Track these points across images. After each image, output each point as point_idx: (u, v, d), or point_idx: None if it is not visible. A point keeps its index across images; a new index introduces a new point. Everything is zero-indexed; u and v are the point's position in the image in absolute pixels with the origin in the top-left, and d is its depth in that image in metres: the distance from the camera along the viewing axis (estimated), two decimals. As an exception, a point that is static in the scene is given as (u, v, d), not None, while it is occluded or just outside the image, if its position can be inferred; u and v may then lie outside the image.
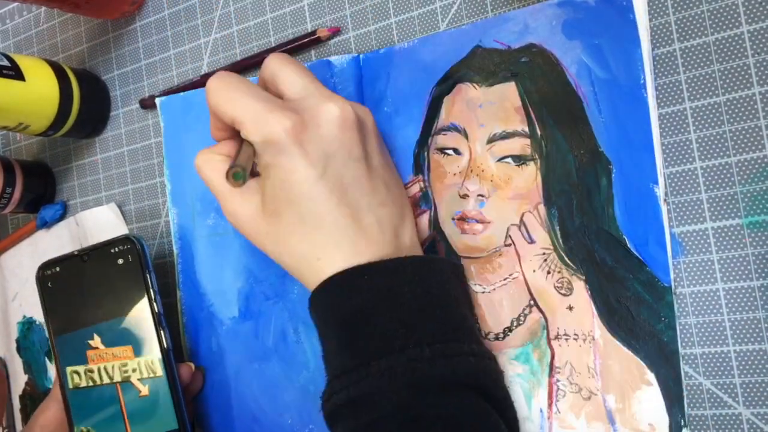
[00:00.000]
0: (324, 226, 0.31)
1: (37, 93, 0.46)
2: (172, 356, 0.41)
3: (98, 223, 0.51)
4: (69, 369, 0.42)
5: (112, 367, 0.41)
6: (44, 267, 0.43)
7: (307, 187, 0.31)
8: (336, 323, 0.31)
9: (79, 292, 0.42)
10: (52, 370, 0.54)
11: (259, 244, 0.34)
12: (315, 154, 0.31)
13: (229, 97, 0.32)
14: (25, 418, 0.56)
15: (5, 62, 0.44)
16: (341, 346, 0.31)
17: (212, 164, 0.35)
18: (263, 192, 0.33)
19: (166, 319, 0.41)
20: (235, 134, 0.35)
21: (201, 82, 0.46)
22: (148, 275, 0.41)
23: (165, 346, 0.40)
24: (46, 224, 0.54)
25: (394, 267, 0.31)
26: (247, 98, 0.31)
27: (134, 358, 0.41)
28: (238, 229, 0.35)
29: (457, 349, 0.30)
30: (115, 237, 0.42)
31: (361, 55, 0.40)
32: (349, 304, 0.30)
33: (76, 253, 0.42)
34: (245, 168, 0.32)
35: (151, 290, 0.41)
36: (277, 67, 0.33)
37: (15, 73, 0.45)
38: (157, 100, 0.47)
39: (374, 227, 0.32)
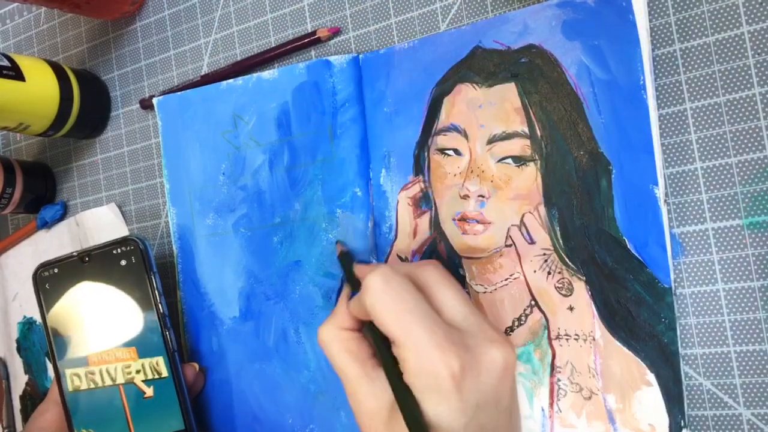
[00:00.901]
0: None
1: (37, 93, 0.46)
2: (177, 357, 0.40)
3: (98, 223, 0.51)
4: (69, 371, 0.41)
5: (115, 368, 0.41)
6: (41, 268, 0.42)
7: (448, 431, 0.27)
8: None
9: (78, 294, 0.42)
10: (52, 370, 0.54)
11: None
12: (469, 402, 0.27)
13: (394, 309, 0.28)
14: (26, 419, 0.56)
15: (5, 62, 0.44)
16: None
17: (340, 342, 0.31)
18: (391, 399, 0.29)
19: (170, 320, 0.41)
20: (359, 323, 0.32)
21: (201, 83, 0.46)
22: (152, 276, 0.41)
23: (171, 347, 0.40)
24: (46, 224, 0.54)
25: None
26: (415, 320, 0.28)
27: (138, 359, 0.40)
28: (355, 415, 0.31)
29: None
30: (117, 238, 0.41)
31: (360, 55, 0.40)
32: None
33: (75, 254, 0.42)
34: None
35: (156, 291, 0.40)
36: (436, 281, 0.31)
37: (15, 73, 0.45)
38: (154, 100, 0.47)
39: None
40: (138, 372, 0.40)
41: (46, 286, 0.42)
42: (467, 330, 0.29)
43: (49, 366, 0.54)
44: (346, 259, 0.36)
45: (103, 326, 0.41)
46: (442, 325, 0.28)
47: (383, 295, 0.29)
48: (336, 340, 0.31)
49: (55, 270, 0.42)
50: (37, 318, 0.55)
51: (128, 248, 0.41)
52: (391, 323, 0.28)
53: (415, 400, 0.27)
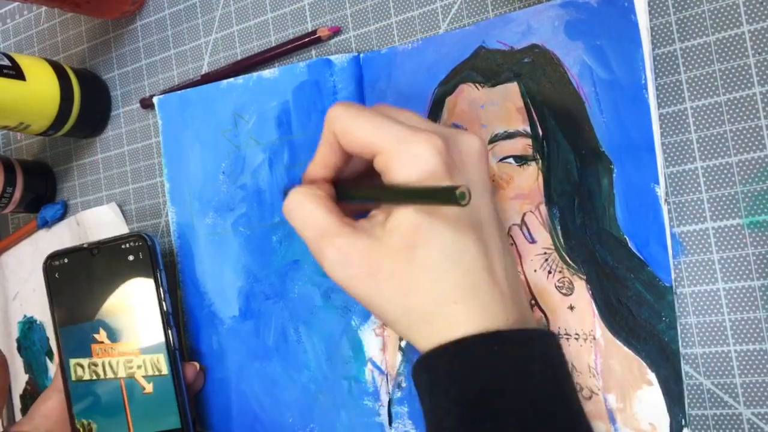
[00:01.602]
0: (464, 264, 0.27)
1: (37, 93, 0.46)
2: (178, 356, 0.41)
3: (99, 222, 0.51)
4: (72, 361, 0.42)
5: (117, 362, 0.41)
6: (52, 257, 0.43)
7: (454, 217, 0.27)
8: (460, 397, 0.27)
9: (86, 285, 0.42)
10: (52, 369, 0.54)
11: (372, 288, 0.28)
12: (460, 180, 0.27)
13: (364, 120, 0.28)
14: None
15: (6, 62, 0.44)
16: (466, 423, 0.26)
17: (316, 198, 0.30)
18: (395, 225, 0.28)
19: (174, 319, 0.41)
20: (336, 175, 0.31)
21: (201, 82, 0.46)
22: (158, 273, 0.41)
23: (172, 345, 0.40)
24: (46, 224, 0.54)
25: (524, 340, 0.27)
26: (388, 120, 0.28)
27: (140, 355, 0.41)
28: (339, 272, 0.29)
29: None
30: (127, 233, 0.42)
31: (361, 55, 0.40)
32: (475, 378, 0.26)
33: (86, 245, 0.42)
34: (469, 189, 0.24)
35: (161, 288, 0.41)
36: (393, 109, 0.30)
37: (15, 72, 0.45)
38: (155, 99, 0.47)
39: (501, 273, 0.28)
40: (139, 367, 0.41)
41: (56, 275, 0.43)
42: (437, 127, 0.29)
43: (50, 365, 0.54)
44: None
45: (108, 319, 0.41)
46: (411, 124, 0.28)
47: (348, 114, 0.29)
48: (310, 196, 0.30)
49: (65, 260, 0.43)
50: (38, 317, 0.55)
51: (137, 244, 0.41)
52: (366, 131, 0.28)
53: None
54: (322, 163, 0.31)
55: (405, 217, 0.27)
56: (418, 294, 0.27)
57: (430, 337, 0.27)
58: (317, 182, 0.31)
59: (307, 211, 0.29)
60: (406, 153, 0.27)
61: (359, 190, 0.30)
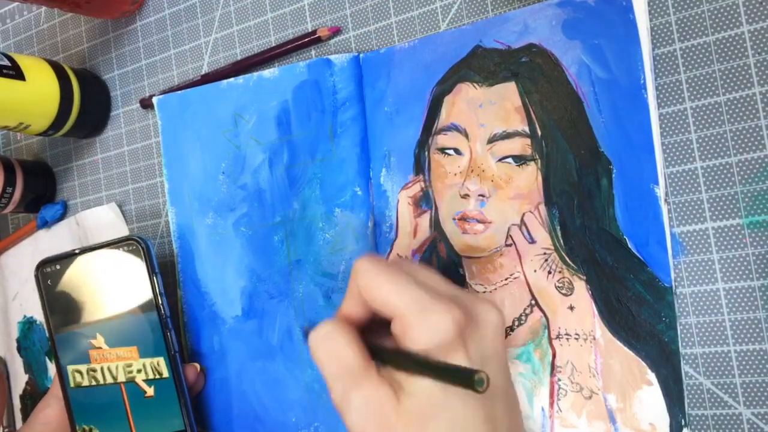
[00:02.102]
0: None
1: (37, 93, 0.46)
2: (179, 358, 0.41)
3: (99, 222, 0.51)
4: (70, 368, 0.42)
5: (116, 367, 0.41)
6: (43, 264, 0.43)
7: (465, 397, 0.27)
8: None
9: (80, 291, 0.42)
10: (52, 369, 0.54)
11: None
12: (474, 355, 0.27)
13: (387, 279, 0.28)
14: (26, 418, 0.56)
15: (5, 62, 0.44)
16: None
17: (349, 335, 0.29)
18: (411, 390, 0.27)
19: (172, 321, 0.41)
20: (361, 322, 0.31)
21: (201, 82, 0.46)
22: (153, 277, 0.41)
23: (172, 348, 0.40)
24: (46, 224, 0.54)
25: None
26: (408, 283, 0.28)
27: (139, 359, 0.41)
28: (355, 417, 0.28)
29: None
30: (121, 237, 0.42)
31: (361, 55, 0.40)
32: None
33: (77, 251, 0.42)
34: (488, 376, 0.24)
35: (157, 292, 0.41)
36: (414, 267, 0.31)
37: (15, 72, 0.45)
38: (154, 99, 0.47)
39: None
40: (139, 371, 0.41)
41: (48, 282, 0.42)
42: (459, 295, 0.29)
43: (50, 365, 0.54)
44: None
45: (104, 324, 0.41)
46: (435, 289, 0.28)
47: (373, 270, 0.28)
48: (344, 332, 0.29)
49: (57, 266, 0.42)
50: (38, 317, 0.55)
51: (131, 248, 0.41)
52: (387, 291, 0.28)
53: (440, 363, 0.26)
54: (348, 311, 0.30)
55: (423, 384, 0.27)
56: None
57: None
58: (343, 320, 0.31)
59: (339, 346, 0.29)
60: (425, 322, 0.27)
61: (382, 350, 0.29)
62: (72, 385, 0.42)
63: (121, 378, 0.41)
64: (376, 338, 0.30)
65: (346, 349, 0.28)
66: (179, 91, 0.46)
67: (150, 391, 0.41)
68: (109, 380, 0.41)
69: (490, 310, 0.29)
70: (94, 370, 0.41)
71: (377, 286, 0.28)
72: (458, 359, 0.26)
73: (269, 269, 0.42)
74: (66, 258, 0.42)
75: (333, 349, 0.29)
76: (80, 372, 0.42)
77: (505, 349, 0.29)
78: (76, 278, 0.42)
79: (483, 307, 0.29)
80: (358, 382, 0.28)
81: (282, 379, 0.41)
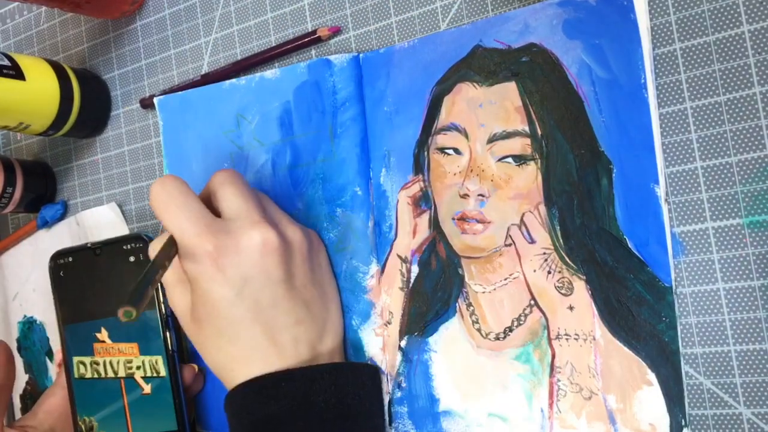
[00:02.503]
0: (238, 342, 0.34)
1: (37, 93, 0.46)
2: (176, 358, 0.41)
3: (99, 222, 0.51)
4: (75, 359, 0.42)
5: (118, 362, 0.41)
6: (57, 256, 0.43)
7: (224, 307, 0.33)
8: (249, 426, 0.33)
9: (89, 285, 0.42)
10: (52, 369, 0.54)
11: (189, 338, 0.36)
12: (233, 276, 0.33)
13: (166, 207, 0.33)
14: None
15: (6, 62, 0.44)
16: None
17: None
18: (191, 297, 0.35)
19: (172, 321, 0.41)
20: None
21: (201, 82, 0.46)
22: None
23: (170, 348, 0.41)
24: (46, 224, 0.54)
25: (311, 374, 0.33)
26: (180, 214, 0.33)
27: (139, 355, 0.41)
28: (175, 314, 0.37)
29: None
30: (128, 234, 0.42)
31: (361, 55, 0.40)
32: (262, 408, 0.33)
33: (89, 245, 0.43)
34: (139, 307, 0.28)
35: (160, 291, 0.41)
36: (220, 183, 0.35)
37: (15, 72, 0.45)
38: (155, 99, 0.47)
39: (288, 344, 0.34)
40: (138, 368, 0.41)
41: (60, 273, 0.43)
42: (236, 218, 0.34)
43: (50, 365, 0.54)
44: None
45: (110, 319, 0.42)
46: (206, 217, 0.34)
47: (158, 195, 0.34)
48: (157, 250, 0.35)
49: (70, 259, 0.43)
50: (38, 317, 0.55)
51: (138, 245, 0.41)
52: (164, 218, 0.34)
53: (150, 274, 0.31)
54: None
55: (192, 298, 0.35)
56: (209, 358, 0.36)
57: (231, 385, 0.35)
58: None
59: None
60: (185, 252, 0.33)
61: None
62: (76, 376, 0.42)
63: (122, 373, 0.41)
64: None
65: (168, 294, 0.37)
66: (180, 92, 0.46)
67: (147, 388, 0.41)
68: (111, 374, 0.41)
69: (253, 236, 0.33)
70: (97, 363, 0.42)
71: (157, 209, 0.34)
72: (215, 281, 0.33)
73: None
74: (78, 251, 0.43)
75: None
76: (84, 364, 0.42)
77: (281, 262, 0.34)
78: (86, 271, 0.42)
79: (247, 234, 0.33)
80: (167, 292, 0.37)
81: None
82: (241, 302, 0.33)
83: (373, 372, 0.37)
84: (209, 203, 0.36)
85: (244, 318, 0.33)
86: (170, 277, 0.36)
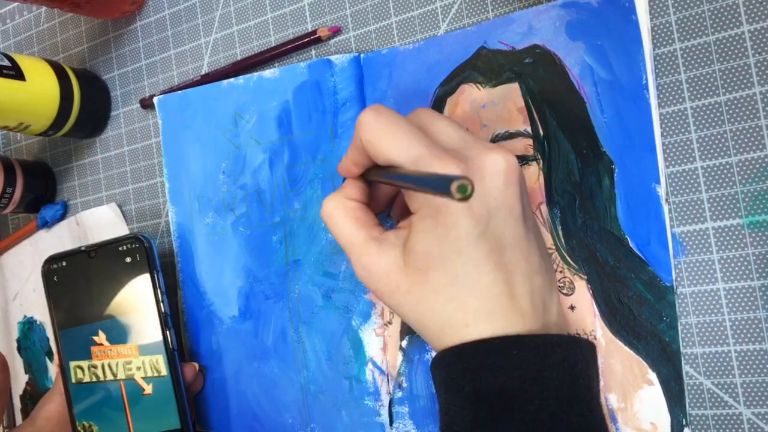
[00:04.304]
0: (478, 290, 0.28)
1: (37, 93, 0.46)
2: (177, 357, 0.41)
3: (99, 222, 0.51)
4: (72, 363, 0.42)
5: (116, 364, 0.41)
6: (50, 261, 0.43)
7: (466, 245, 0.28)
8: (473, 396, 0.27)
9: (85, 288, 0.42)
10: (52, 370, 0.54)
11: (394, 304, 0.30)
12: (478, 209, 0.28)
13: (389, 135, 0.28)
14: (26, 418, 0.56)
15: (5, 62, 0.44)
16: (477, 424, 0.27)
17: (346, 211, 0.31)
18: (410, 246, 0.29)
19: (172, 319, 0.41)
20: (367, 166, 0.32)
21: (201, 82, 0.46)
22: (155, 275, 0.41)
23: (171, 346, 0.40)
24: (46, 224, 0.54)
25: (544, 346, 0.28)
26: (411, 140, 0.28)
27: (139, 356, 0.41)
28: (368, 285, 0.31)
29: None
30: (124, 235, 0.42)
31: (362, 55, 0.40)
32: (490, 378, 0.27)
33: (83, 248, 0.42)
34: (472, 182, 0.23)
35: (159, 290, 0.41)
36: (428, 116, 0.31)
37: (15, 72, 0.45)
38: (155, 99, 0.47)
39: (526, 298, 0.29)
40: (138, 369, 0.41)
41: (54, 278, 0.43)
42: (465, 147, 0.29)
43: (50, 365, 0.54)
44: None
45: (106, 321, 0.41)
46: (438, 144, 0.29)
47: (377, 124, 0.29)
48: (341, 208, 0.31)
49: (63, 263, 0.43)
50: (38, 318, 0.55)
51: (133, 246, 0.41)
52: (389, 148, 0.28)
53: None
54: (352, 161, 0.32)
55: (419, 239, 0.29)
56: (430, 314, 0.29)
57: (455, 339, 0.29)
58: (350, 182, 0.33)
59: (337, 225, 0.31)
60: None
61: (376, 176, 0.31)
62: (73, 381, 0.42)
63: (121, 375, 0.41)
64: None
65: (345, 227, 0.31)
66: (180, 91, 0.46)
67: (148, 388, 0.41)
68: (109, 377, 0.41)
69: (497, 160, 0.28)
70: (95, 367, 0.42)
71: (379, 143, 0.29)
72: (461, 214, 0.27)
73: (266, 269, 0.42)
74: (72, 255, 0.43)
75: (337, 227, 0.32)
76: (82, 368, 0.42)
77: (522, 198, 0.29)
78: (80, 275, 0.42)
79: (490, 157, 0.28)
80: (358, 257, 0.31)
81: (277, 381, 0.41)
82: (487, 239, 0.28)
83: (593, 348, 0.30)
84: None
85: (488, 260, 0.28)
86: (358, 238, 0.31)
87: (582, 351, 0.29)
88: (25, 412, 0.56)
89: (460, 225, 0.27)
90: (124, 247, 0.41)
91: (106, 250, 0.42)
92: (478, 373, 0.27)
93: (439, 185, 0.23)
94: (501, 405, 0.27)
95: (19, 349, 0.57)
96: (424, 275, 0.29)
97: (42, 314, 0.54)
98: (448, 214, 0.28)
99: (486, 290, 0.28)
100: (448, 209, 0.27)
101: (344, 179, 0.34)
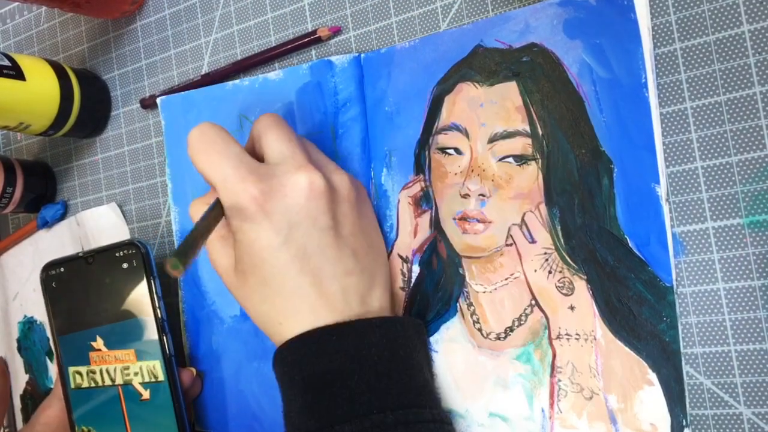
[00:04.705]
0: (285, 292, 0.32)
1: (37, 93, 0.46)
2: (174, 362, 0.41)
3: (99, 222, 0.51)
4: (71, 369, 0.42)
5: (114, 369, 0.41)
6: (48, 267, 0.43)
7: (269, 254, 0.32)
8: (301, 383, 0.31)
9: (83, 294, 0.42)
10: (53, 369, 0.54)
11: (233, 295, 0.35)
12: (279, 222, 0.31)
13: (206, 155, 0.32)
14: (26, 418, 0.56)
15: (6, 62, 0.44)
16: (305, 407, 0.31)
17: (202, 210, 0.34)
18: (235, 251, 0.34)
19: (168, 324, 0.41)
20: None
21: (201, 82, 0.46)
22: (152, 281, 0.41)
23: (168, 352, 0.40)
24: (46, 224, 0.54)
25: (362, 329, 0.32)
26: (222, 160, 0.32)
27: (136, 361, 0.41)
28: (218, 273, 0.36)
29: (419, 416, 0.31)
30: (121, 241, 0.42)
31: (362, 55, 0.40)
32: (315, 364, 0.31)
33: (81, 254, 0.42)
34: (186, 261, 0.28)
35: (155, 296, 0.41)
36: (263, 128, 0.34)
37: (15, 72, 0.45)
38: (158, 100, 0.47)
39: (338, 295, 0.33)
40: (136, 374, 0.41)
41: (53, 284, 0.43)
42: (281, 163, 0.33)
43: (50, 365, 0.54)
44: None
45: (104, 327, 0.41)
46: (250, 162, 0.32)
47: (198, 143, 0.32)
48: (199, 212, 0.34)
49: (61, 269, 0.43)
50: (38, 318, 0.55)
51: (130, 252, 0.41)
52: (204, 166, 0.32)
53: (196, 233, 0.30)
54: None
55: (236, 246, 0.33)
56: (254, 312, 0.34)
57: (279, 339, 0.33)
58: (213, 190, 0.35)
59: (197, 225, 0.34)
60: (227, 199, 0.32)
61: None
62: (72, 386, 0.42)
63: (119, 380, 0.41)
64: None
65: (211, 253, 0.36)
66: (183, 92, 0.46)
67: (146, 394, 0.41)
68: (108, 382, 0.41)
69: (299, 180, 0.32)
70: (94, 372, 0.41)
71: (197, 156, 0.32)
72: (260, 227, 0.31)
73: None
74: (70, 261, 0.43)
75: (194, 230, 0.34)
76: (80, 373, 0.42)
77: (326, 209, 0.33)
78: (78, 281, 0.42)
79: (294, 177, 0.32)
80: (209, 251, 0.35)
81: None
82: (287, 249, 0.32)
83: (418, 326, 0.35)
84: (252, 152, 0.35)
85: (291, 266, 0.32)
86: (212, 235, 0.35)
87: (403, 328, 0.33)
88: (25, 412, 0.56)
89: (261, 238, 0.32)
90: (121, 253, 0.41)
91: (104, 256, 0.42)
92: (304, 362, 0.31)
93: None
94: (325, 385, 0.31)
95: (19, 349, 0.57)
96: (245, 277, 0.33)
97: (42, 314, 0.54)
98: (251, 228, 0.32)
99: (293, 291, 0.32)
100: (251, 224, 0.31)
101: None
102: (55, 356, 0.43)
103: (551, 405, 0.34)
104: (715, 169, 0.32)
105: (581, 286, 0.33)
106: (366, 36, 0.41)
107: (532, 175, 0.35)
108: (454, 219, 0.37)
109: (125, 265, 0.41)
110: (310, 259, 0.32)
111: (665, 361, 0.31)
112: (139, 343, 0.41)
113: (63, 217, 0.54)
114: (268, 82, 0.42)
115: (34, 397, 0.56)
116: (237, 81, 0.44)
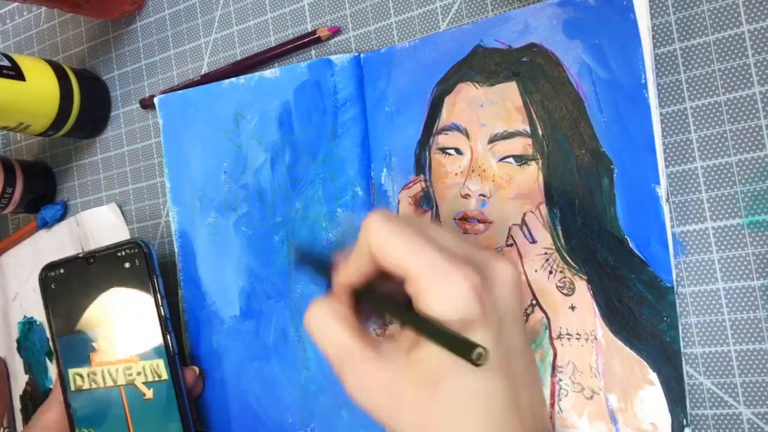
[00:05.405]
0: (488, 407, 0.26)
1: (37, 93, 0.46)
2: (178, 361, 0.40)
3: (99, 223, 0.51)
4: (71, 371, 0.42)
5: (117, 369, 0.41)
6: (48, 268, 0.43)
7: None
8: None
9: (83, 295, 0.42)
10: (53, 370, 0.54)
11: (394, 416, 0.27)
12: (491, 318, 0.26)
13: (399, 239, 0.26)
14: (26, 419, 0.56)
15: (5, 62, 0.44)
16: None
17: (339, 317, 0.29)
18: (418, 359, 0.27)
19: (171, 323, 0.41)
20: (361, 284, 0.30)
21: (201, 82, 0.46)
22: (155, 280, 0.41)
23: (172, 350, 0.40)
24: (46, 224, 0.54)
25: None
26: (425, 245, 0.26)
27: (139, 361, 0.41)
28: (358, 395, 0.28)
29: None
30: (123, 241, 0.42)
31: (362, 55, 0.40)
32: None
33: (81, 255, 0.42)
34: (487, 350, 0.23)
35: (158, 294, 0.41)
36: (424, 224, 0.29)
37: (15, 73, 0.45)
38: (155, 99, 0.47)
39: (527, 411, 0.27)
40: (139, 374, 0.41)
41: (52, 286, 0.42)
42: (469, 252, 0.28)
43: (50, 366, 0.54)
44: (308, 257, 0.34)
45: (106, 327, 0.41)
46: (447, 249, 0.27)
47: (385, 229, 0.27)
48: (334, 314, 0.29)
49: (61, 270, 0.42)
50: (38, 318, 0.55)
51: (132, 251, 0.41)
52: (400, 253, 0.26)
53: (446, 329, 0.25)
54: (355, 270, 0.29)
55: (431, 351, 0.26)
56: (438, 430, 0.26)
57: None
58: (340, 291, 0.30)
59: (331, 331, 0.28)
60: (442, 288, 0.26)
61: (385, 305, 0.29)
62: (72, 388, 0.42)
63: (121, 381, 0.41)
64: (387, 288, 0.29)
65: (339, 334, 0.28)
66: (180, 91, 0.46)
67: (149, 393, 0.40)
68: (109, 383, 0.41)
69: (504, 268, 0.27)
70: (95, 374, 0.41)
71: (390, 247, 0.27)
72: (476, 329, 0.25)
73: (268, 269, 0.42)
74: (69, 262, 0.42)
75: (328, 334, 0.28)
76: (81, 375, 0.42)
77: (521, 304, 0.28)
78: (79, 282, 0.42)
79: (498, 265, 0.27)
80: (353, 365, 0.28)
81: (278, 380, 0.41)
82: (498, 349, 0.26)
83: None
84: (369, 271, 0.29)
85: (500, 370, 0.26)
86: (355, 346, 0.28)
87: None
88: (25, 413, 0.56)
89: (475, 335, 0.25)
90: (123, 253, 0.41)
91: (105, 256, 0.42)
92: None
93: (456, 346, 0.23)
94: None
95: (19, 349, 0.57)
96: (434, 389, 0.26)
97: (42, 314, 0.54)
98: (465, 316, 0.25)
99: (496, 405, 0.26)
100: (465, 311, 0.25)
101: (329, 282, 0.32)
102: (54, 358, 0.43)
103: (552, 404, 0.34)
104: (715, 169, 0.32)
105: (582, 286, 0.34)
106: (366, 36, 0.41)
107: (532, 175, 0.35)
108: (455, 219, 0.37)
109: (127, 265, 0.41)
110: (513, 362, 0.27)
111: (666, 361, 0.32)
112: (142, 343, 0.41)
113: (63, 217, 0.54)
114: (264, 80, 0.42)
115: (34, 397, 0.56)
116: (233, 79, 0.44)
